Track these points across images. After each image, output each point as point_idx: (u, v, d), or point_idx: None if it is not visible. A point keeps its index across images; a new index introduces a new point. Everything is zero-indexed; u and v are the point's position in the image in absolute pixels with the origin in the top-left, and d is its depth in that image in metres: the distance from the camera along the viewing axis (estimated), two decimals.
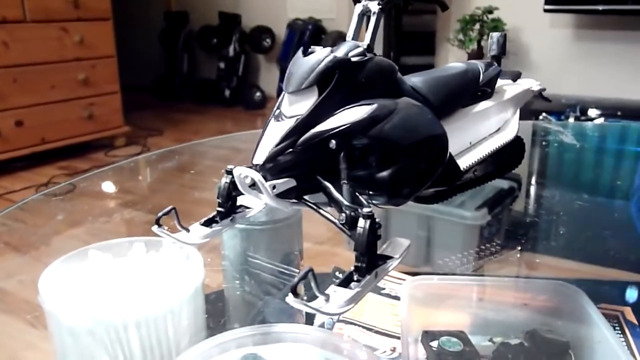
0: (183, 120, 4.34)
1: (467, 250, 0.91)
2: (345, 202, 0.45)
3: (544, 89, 0.75)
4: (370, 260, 0.43)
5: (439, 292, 0.70)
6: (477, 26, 3.59)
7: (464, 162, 0.58)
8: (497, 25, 3.52)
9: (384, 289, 0.81)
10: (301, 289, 0.46)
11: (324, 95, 0.46)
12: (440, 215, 1.00)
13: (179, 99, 4.92)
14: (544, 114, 2.72)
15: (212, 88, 4.83)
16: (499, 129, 0.68)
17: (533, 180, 1.13)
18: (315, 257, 0.75)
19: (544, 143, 1.37)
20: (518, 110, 0.72)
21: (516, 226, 0.99)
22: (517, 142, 0.69)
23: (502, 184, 0.99)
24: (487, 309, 0.69)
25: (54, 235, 0.95)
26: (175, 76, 5.01)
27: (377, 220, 0.43)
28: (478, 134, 0.64)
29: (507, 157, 0.69)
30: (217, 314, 0.72)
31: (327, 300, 0.40)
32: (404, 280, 0.72)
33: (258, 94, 4.66)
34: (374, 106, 0.46)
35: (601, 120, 2.83)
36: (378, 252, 0.44)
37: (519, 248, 0.88)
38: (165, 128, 4.02)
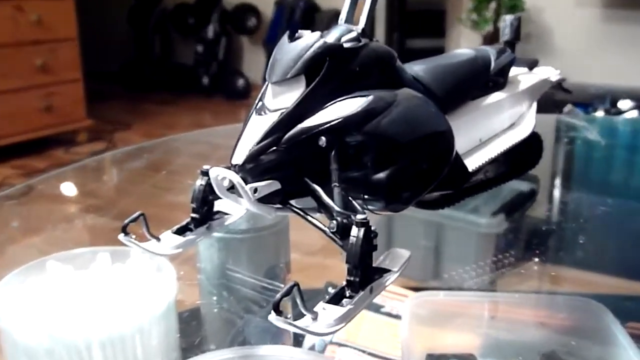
0: (154, 112, 4.34)
1: (480, 262, 0.91)
2: (337, 208, 0.45)
3: (564, 79, 0.76)
4: (364, 274, 0.43)
5: (445, 309, 0.70)
6: (493, 5, 3.60)
7: (472, 162, 0.59)
8: (515, 4, 3.53)
9: (383, 306, 0.82)
10: (287, 306, 0.46)
11: (312, 85, 0.46)
12: (451, 222, 0.99)
13: (149, 88, 4.92)
14: (569, 106, 2.73)
15: (188, 75, 4.82)
16: (512, 124, 0.69)
17: (553, 183, 1.14)
18: (304, 270, 0.76)
19: (566, 140, 1.38)
20: (535, 103, 0.73)
21: (534, 234, 0.99)
22: (533, 138, 0.70)
23: (521, 186, 0.99)
24: (500, 328, 0.70)
25: (8, 244, 0.95)
26: (145, 61, 5.01)
27: (372, 228, 0.43)
28: (489, 129, 0.65)
29: (522, 156, 0.70)
30: (191, 334, 0.72)
31: (314, 318, 0.40)
32: (407, 296, 0.73)
33: (241, 81, 4.67)
34: (370, 98, 0.47)
35: (634, 113, 2.84)
36: (374, 264, 0.44)
37: (536, 259, 0.89)
38: (133, 121, 4.02)
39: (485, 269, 0.88)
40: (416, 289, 0.81)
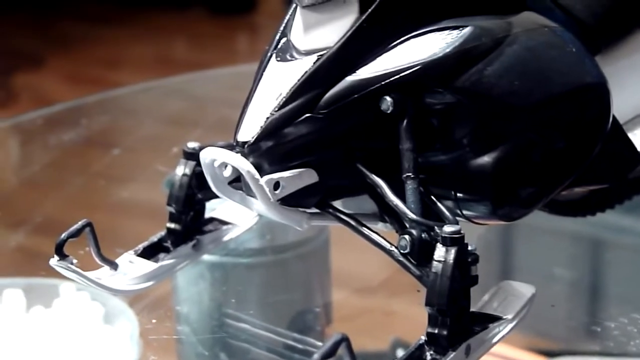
0: (85, 37, 2.87)
1: None
2: (411, 214, 0.39)
3: None
4: (456, 324, 0.37)
5: None
6: None
7: None
8: None
9: None
10: None
11: (370, 11, 0.39)
12: (619, 238, 0.82)
13: None
14: None
15: None
16: None
17: None
18: (356, 318, 0.64)
19: None
20: None
21: None
22: None
23: None
24: None
25: None
26: None
27: (470, 248, 0.37)
28: None
29: None
30: None
31: None
32: None
33: None
34: (466, 32, 0.40)
35: None
36: (473, 308, 0.39)
37: None
38: (47, 54, 2.71)
39: None
40: (551, 354, 0.69)
